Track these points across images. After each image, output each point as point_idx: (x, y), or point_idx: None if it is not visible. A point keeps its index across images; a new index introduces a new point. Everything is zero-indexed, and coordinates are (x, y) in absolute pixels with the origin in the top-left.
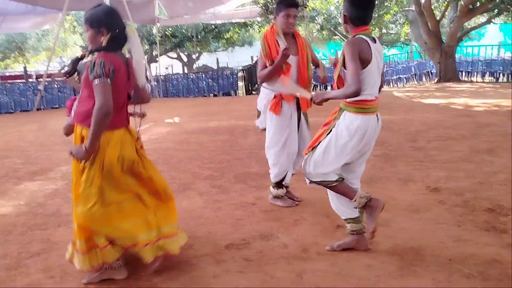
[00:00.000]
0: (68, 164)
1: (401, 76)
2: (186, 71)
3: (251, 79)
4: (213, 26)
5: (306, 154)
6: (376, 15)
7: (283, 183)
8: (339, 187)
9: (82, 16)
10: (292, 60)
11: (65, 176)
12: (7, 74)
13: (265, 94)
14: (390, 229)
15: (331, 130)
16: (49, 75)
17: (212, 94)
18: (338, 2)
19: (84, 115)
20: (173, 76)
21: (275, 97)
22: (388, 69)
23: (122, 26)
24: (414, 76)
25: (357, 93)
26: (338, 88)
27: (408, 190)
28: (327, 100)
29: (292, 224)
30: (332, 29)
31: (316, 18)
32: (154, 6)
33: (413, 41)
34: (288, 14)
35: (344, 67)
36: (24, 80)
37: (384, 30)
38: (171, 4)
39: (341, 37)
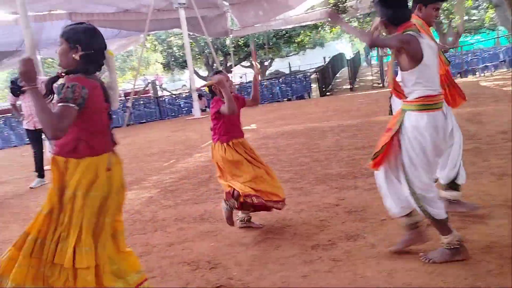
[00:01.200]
0: (158, 174)
1: (487, 64)
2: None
3: (325, 80)
4: (283, 32)
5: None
6: (455, 2)
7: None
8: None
9: (161, 36)
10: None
11: (157, 184)
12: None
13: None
14: (486, 227)
15: (396, 137)
16: (135, 93)
17: (286, 99)
18: None
19: (67, 147)
20: (247, 84)
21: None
22: (472, 57)
23: (100, 48)
24: (503, 62)
25: (373, 44)
26: (398, 93)
27: (504, 185)
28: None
29: (379, 224)
30: None
31: None
32: (227, 18)
33: (499, 25)
34: (437, 8)
35: (399, 66)
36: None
37: (466, 17)
38: (242, 14)
39: None
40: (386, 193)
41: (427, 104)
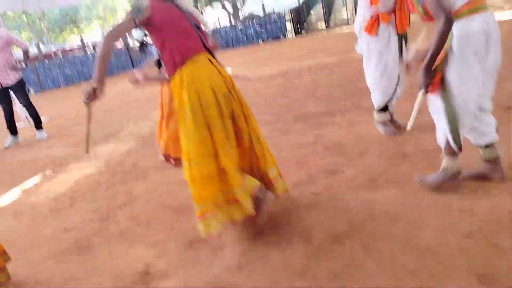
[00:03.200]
0: (135, 123)
1: None
2: (232, 22)
3: (300, 20)
4: None
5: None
6: None
7: (388, 110)
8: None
9: None
10: None
11: (134, 134)
12: (68, 48)
13: (361, 14)
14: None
15: (446, 55)
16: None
17: (261, 41)
18: None
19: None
20: (221, 29)
21: (371, 17)
22: None
23: None
24: None
25: (451, 21)
26: (429, 17)
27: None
28: (429, 69)
29: (357, 157)
30: None
31: None
32: None
33: None
34: None
35: None
36: (83, 52)
37: None
38: None
39: None
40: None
41: (474, 7)
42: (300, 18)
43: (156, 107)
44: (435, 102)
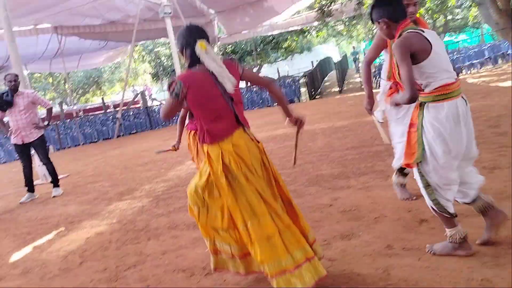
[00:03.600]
0: (150, 183)
1: (473, 61)
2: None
3: (313, 84)
4: (271, 37)
5: (412, 167)
6: (439, 2)
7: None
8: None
9: (149, 45)
10: None
11: (149, 194)
12: (88, 107)
13: (383, 84)
14: (479, 219)
15: (421, 133)
16: (124, 104)
17: (276, 104)
18: None
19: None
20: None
21: (390, 88)
22: (458, 55)
23: (187, 43)
24: (488, 59)
25: (414, 99)
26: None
27: (496, 178)
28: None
29: (373, 222)
30: None
31: None
32: (214, 26)
33: (482, 23)
34: (414, 3)
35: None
36: (103, 111)
37: (449, 17)
38: (229, 21)
39: None
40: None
41: (446, 93)
42: (314, 82)
43: (171, 167)
44: (416, 175)
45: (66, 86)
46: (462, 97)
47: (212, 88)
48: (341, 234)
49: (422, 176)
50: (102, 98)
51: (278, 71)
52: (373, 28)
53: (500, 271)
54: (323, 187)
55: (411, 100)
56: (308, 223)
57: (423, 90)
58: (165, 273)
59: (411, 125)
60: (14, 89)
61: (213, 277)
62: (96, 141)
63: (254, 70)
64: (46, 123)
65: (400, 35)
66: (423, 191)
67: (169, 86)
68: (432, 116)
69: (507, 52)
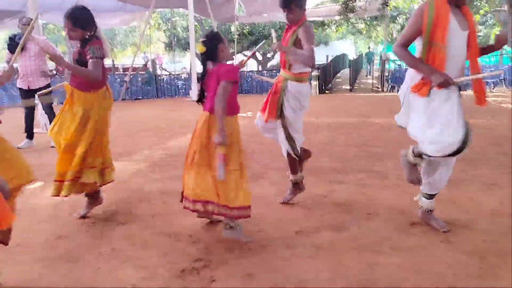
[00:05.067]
0: (150, 149)
1: (488, 80)
2: (260, 69)
3: (325, 78)
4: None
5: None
6: None
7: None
8: None
9: (166, 14)
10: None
11: (146, 159)
12: None
13: (411, 76)
14: (471, 232)
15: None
16: (134, 69)
17: None
18: (422, 1)
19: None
20: (247, 73)
21: (422, 78)
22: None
23: None
24: (503, 80)
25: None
26: None
27: (493, 195)
28: None
29: (365, 218)
30: None
31: (398, 18)
32: (234, 4)
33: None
34: None
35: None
36: (111, 72)
37: None
38: (251, 1)
39: None
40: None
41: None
42: (326, 76)
43: (173, 136)
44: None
45: None
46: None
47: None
48: (331, 225)
49: (285, 129)
50: (113, 60)
51: None
52: (393, 32)
53: (482, 281)
54: (320, 178)
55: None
56: (301, 210)
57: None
58: (152, 235)
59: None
60: None
61: (198, 246)
62: None
63: (269, 55)
64: (54, 72)
65: None
66: (284, 141)
67: None
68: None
69: None
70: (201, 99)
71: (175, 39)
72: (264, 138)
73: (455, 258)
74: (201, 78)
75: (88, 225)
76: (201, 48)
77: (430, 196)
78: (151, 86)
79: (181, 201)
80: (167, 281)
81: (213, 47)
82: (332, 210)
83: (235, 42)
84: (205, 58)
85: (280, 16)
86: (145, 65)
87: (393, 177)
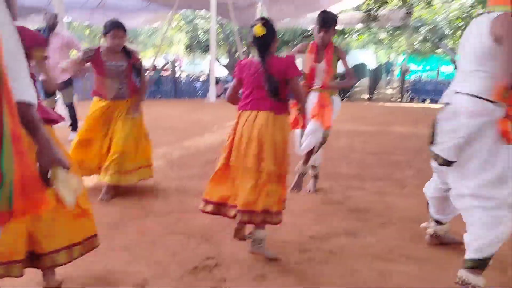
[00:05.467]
0: (168, 147)
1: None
2: None
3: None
4: (311, 31)
5: None
6: None
7: None
8: None
9: (189, 16)
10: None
11: (164, 156)
12: None
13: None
14: None
15: None
16: (153, 68)
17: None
18: (446, 12)
19: None
20: None
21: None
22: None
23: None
24: None
25: None
26: None
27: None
28: None
29: (379, 226)
30: (436, 41)
31: (420, 29)
32: (257, 9)
33: None
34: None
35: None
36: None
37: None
38: (273, 7)
39: (446, 50)
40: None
41: None
42: None
43: (191, 136)
44: None
45: (102, 40)
46: None
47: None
48: (346, 231)
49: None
50: None
51: None
52: (414, 43)
53: None
54: (337, 184)
55: None
56: (316, 214)
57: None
58: (165, 232)
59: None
60: (51, 28)
61: (210, 245)
62: None
63: None
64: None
65: None
66: (320, 139)
67: None
68: None
69: None
70: (277, 94)
71: (196, 41)
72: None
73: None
74: (263, 63)
75: (103, 216)
76: (261, 30)
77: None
78: (170, 86)
79: (216, 211)
80: (179, 278)
81: (272, 34)
82: (348, 216)
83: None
84: (261, 44)
85: (302, 23)
86: (164, 66)
87: (412, 186)
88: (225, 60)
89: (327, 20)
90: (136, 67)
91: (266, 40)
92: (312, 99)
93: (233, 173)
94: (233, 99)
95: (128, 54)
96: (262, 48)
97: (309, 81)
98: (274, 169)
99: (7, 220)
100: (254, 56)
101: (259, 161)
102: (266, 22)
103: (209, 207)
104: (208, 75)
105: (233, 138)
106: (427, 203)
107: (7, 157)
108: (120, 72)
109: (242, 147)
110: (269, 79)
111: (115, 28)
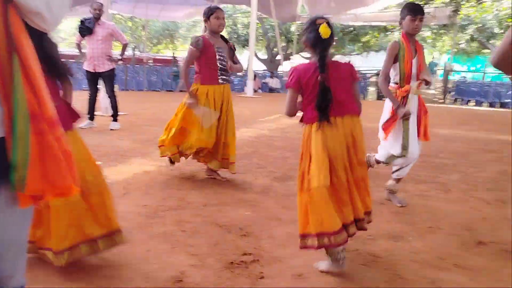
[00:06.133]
0: None
1: None
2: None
3: None
4: (351, 28)
5: None
6: None
7: None
8: None
9: (229, 10)
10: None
11: None
12: (158, 57)
13: None
14: None
15: None
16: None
17: None
18: (496, 10)
19: None
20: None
21: None
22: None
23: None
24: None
25: None
26: None
27: None
28: None
29: (426, 230)
30: (483, 41)
31: (467, 27)
32: (297, 3)
33: None
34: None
35: None
36: (171, 64)
37: None
38: (314, 2)
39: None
40: None
41: None
42: None
43: None
44: None
45: (143, 33)
46: None
47: None
48: (389, 234)
49: None
50: (173, 52)
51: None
52: (460, 42)
53: None
54: (377, 184)
55: None
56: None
57: None
58: (202, 223)
59: None
60: (97, 18)
61: (249, 239)
62: (159, 91)
63: (278, 57)
64: (119, 57)
65: None
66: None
67: None
68: None
69: None
70: (327, 105)
71: (235, 36)
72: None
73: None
74: (322, 71)
75: (141, 207)
76: (327, 31)
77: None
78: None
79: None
80: (216, 272)
81: (334, 35)
82: (390, 219)
83: (294, 42)
84: (326, 45)
85: (343, 19)
86: None
87: (457, 191)
88: (263, 55)
89: (420, 6)
90: (232, 50)
91: (331, 41)
92: (412, 105)
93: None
94: (294, 111)
95: (224, 37)
96: (327, 50)
97: (407, 81)
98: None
99: (30, 202)
100: (312, 59)
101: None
102: (329, 22)
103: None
104: (246, 69)
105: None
106: None
107: (20, 138)
108: (223, 56)
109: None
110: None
111: (217, 8)
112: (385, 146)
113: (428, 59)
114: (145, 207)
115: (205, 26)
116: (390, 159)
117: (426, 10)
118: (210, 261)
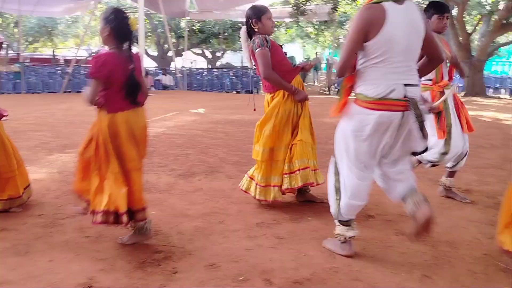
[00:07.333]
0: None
1: None
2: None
3: None
4: (240, 25)
5: None
6: None
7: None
8: None
9: (113, 6)
10: None
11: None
12: (36, 57)
13: None
14: None
15: None
16: (77, 61)
17: (235, 91)
18: None
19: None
20: (197, 71)
21: None
22: None
23: None
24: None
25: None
26: None
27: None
28: None
29: (323, 209)
30: None
31: (345, 23)
32: (186, 0)
33: None
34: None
35: None
36: (52, 64)
37: None
38: None
39: None
40: None
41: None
42: None
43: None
44: None
45: (16, 30)
46: None
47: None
48: (291, 217)
49: None
50: (53, 51)
51: (242, 60)
52: (339, 37)
53: (438, 269)
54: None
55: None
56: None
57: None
58: (106, 227)
59: None
60: None
61: (158, 238)
62: (40, 93)
63: (218, 54)
64: None
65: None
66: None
67: None
68: None
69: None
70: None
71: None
72: (219, 134)
73: (410, 248)
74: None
75: (37, 217)
76: (136, 24)
77: None
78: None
79: None
80: (127, 273)
81: None
82: (290, 202)
83: (185, 38)
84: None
85: (231, 15)
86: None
87: None
88: (153, 52)
89: (445, 4)
90: None
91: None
92: (449, 99)
93: None
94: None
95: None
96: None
97: (441, 77)
98: None
99: None
100: (112, 49)
101: None
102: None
103: None
104: None
105: None
106: None
107: None
108: None
109: None
110: None
111: (267, 8)
112: (435, 146)
113: (312, 53)
114: (41, 216)
115: (253, 28)
116: (441, 157)
117: (308, 7)
118: (120, 263)
